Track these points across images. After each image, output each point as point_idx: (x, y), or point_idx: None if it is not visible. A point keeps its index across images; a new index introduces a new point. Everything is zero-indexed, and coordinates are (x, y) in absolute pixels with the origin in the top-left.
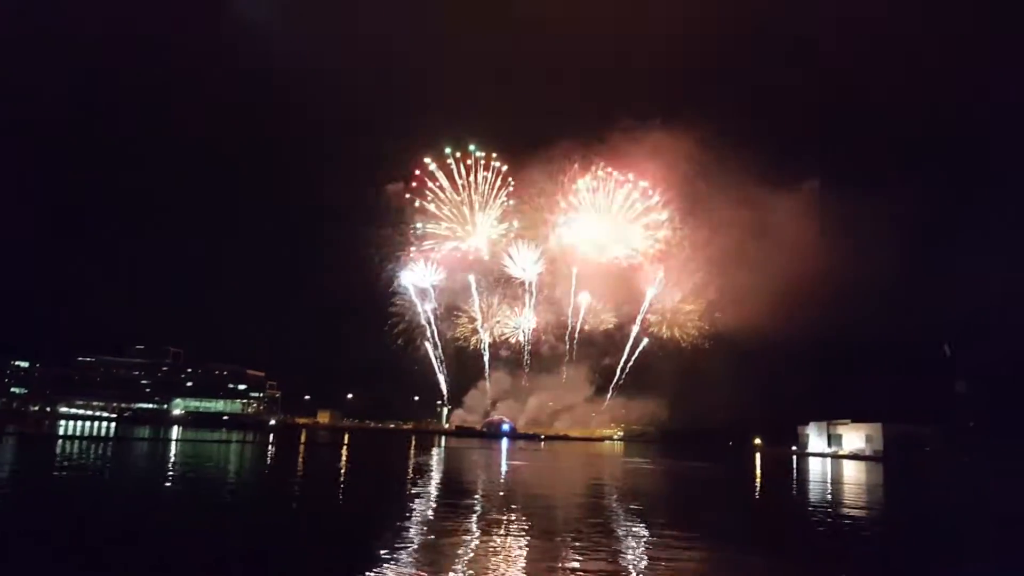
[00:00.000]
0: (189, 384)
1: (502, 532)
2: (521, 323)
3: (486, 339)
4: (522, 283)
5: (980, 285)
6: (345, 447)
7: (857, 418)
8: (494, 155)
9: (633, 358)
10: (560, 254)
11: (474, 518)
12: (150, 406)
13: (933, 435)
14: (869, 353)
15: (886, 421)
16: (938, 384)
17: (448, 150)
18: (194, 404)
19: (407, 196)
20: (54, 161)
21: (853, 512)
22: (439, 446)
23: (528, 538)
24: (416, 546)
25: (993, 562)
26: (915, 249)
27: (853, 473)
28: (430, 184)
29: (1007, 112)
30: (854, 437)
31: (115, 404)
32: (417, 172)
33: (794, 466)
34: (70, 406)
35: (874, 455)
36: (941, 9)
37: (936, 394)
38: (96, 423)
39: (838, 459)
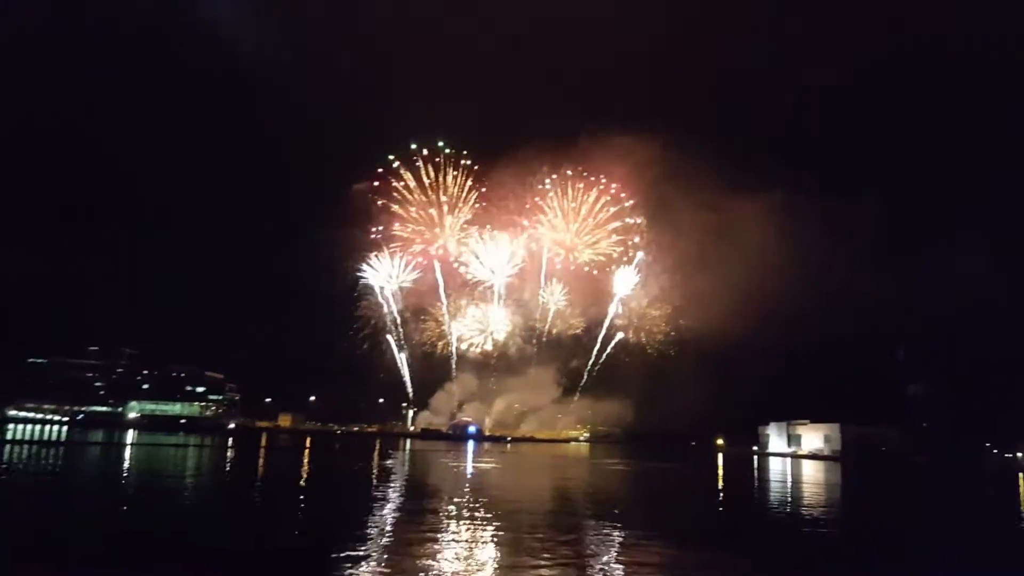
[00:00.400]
0: (145, 386)
1: (465, 537)
2: (488, 326)
3: (453, 341)
4: (491, 286)
5: (936, 290)
6: (307, 451)
7: (816, 419)
8: (464, 152)
9: (600, 361)
10: (529, 257)
11: (437, 522)
12: (104, 409)
13: (889, 435)
14: (828, 355)
15: (844, 422)
16: (894, 386)
17: (414, 146)
18: (150, 407)
19: (370, 196)
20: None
21: (811, 511)
22: (404, 449)
23: (492, 539)
24: (376, 554)
25: (935, 558)
26: (875, 254)
27: (812, 472)
28: (396, 184)
29: (973, 117)
30: (813, 437)
31: (67, 407)
32: (382, 171)
33: (755, 466)
34: (20, 409)
35: (832, 455)
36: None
37: (892, 396)
38: (47, 427)
39: (797, 459)
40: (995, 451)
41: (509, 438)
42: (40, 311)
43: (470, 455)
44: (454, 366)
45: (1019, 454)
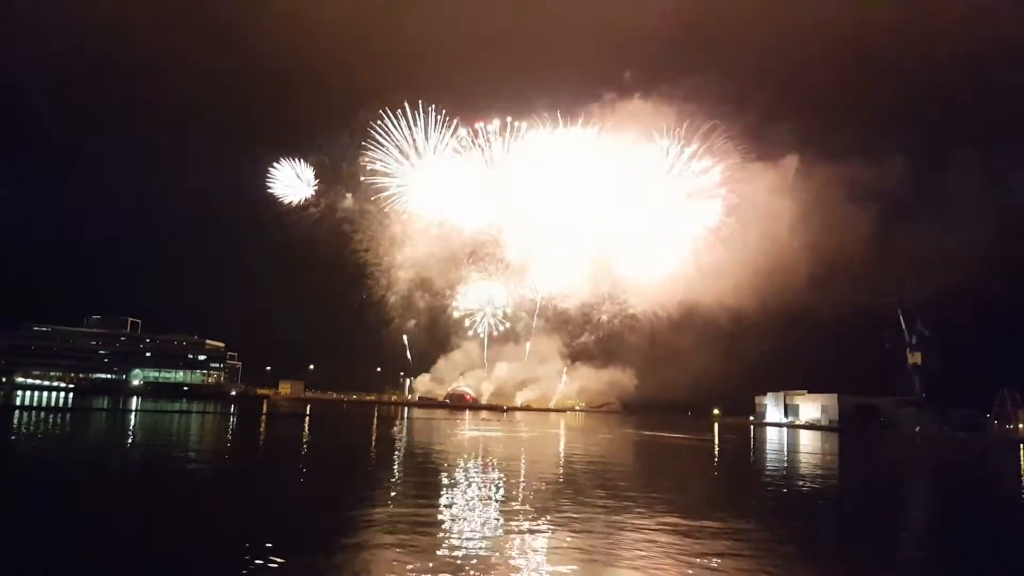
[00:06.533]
0: (148, 354)
1: (460, 502)
2: (492, 296)
3: (456, 311)
4: (501, 260)
5: (939, 261)
6: (307, 419)
7: (813, 389)
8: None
9: (602, 332)
10: (539, 229)
11: (432, 488)
12: (108, 376)
13: (888, 406)
14: (826, 325)
15: (841, 392)
16: (893, 356)
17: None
18: (153, 375)
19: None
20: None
21: (807, 481)
22: (402, 417)
23: (489, 504)
24: (378, 519)
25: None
26: (879, 224)
27: (808, 442)
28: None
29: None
30: (810, 407)
31: (72, 374)
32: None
33: (752, 436)
34: (26, 376)
35: (829, 425)
36: None
37: (891, 366)
38: (53, 393)
39: (794, 429)
40: (995, 423)
41: (505, 408)
42: (40, 281)
43: (467, 424)
44: (454, 336)
45: (1020, 425)
